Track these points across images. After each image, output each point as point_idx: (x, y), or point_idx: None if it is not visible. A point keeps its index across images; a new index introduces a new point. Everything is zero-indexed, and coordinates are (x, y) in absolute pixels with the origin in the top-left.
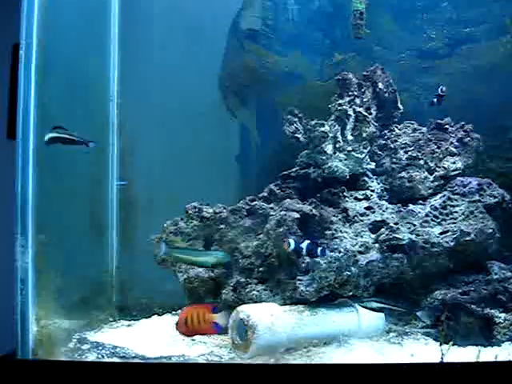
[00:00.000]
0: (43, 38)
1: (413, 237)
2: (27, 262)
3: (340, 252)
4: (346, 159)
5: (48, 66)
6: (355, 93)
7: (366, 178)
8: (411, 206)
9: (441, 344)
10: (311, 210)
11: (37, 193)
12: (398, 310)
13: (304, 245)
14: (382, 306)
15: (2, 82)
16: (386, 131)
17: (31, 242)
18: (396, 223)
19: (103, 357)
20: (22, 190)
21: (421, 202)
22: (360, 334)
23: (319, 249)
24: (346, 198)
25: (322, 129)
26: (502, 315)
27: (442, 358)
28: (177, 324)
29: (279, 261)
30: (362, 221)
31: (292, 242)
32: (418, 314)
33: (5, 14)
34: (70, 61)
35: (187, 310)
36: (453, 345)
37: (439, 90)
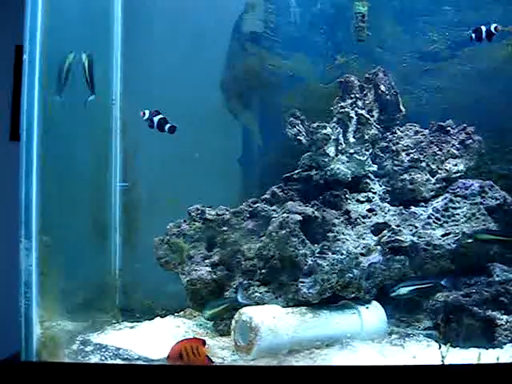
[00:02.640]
0: (46, 42)
1: (415, 239)
2: (31, 264)
3: (342, 254)
4: (348, 161)
5: (51, 70)
6: (357, 95)
7: (368, 181)
8: (413, 208)
9: (440, 347)
10: (313, 213)
11: (41, 196)
12: (427, 286)
13: (156, 118)
14: (412, 288)
15: (4, 83)
16: (388, 133)
17: (35, 245)
18: (398, 225)
19: (106, 359)
20: (26, 193)
21: (423, 204)
22: (362, 336)
23: (167, 125)
24: (349, 201)
25: (324, 131)
26: (504, 317)
27: (442, 361)
28: (168, 357)
29: (282, 263)
30: (364, 223)
31: (147, 112)
32: (443, 282)
33: (6, 14)
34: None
35: (180, 344)
36: (454, 347)
37: (492, 28)
